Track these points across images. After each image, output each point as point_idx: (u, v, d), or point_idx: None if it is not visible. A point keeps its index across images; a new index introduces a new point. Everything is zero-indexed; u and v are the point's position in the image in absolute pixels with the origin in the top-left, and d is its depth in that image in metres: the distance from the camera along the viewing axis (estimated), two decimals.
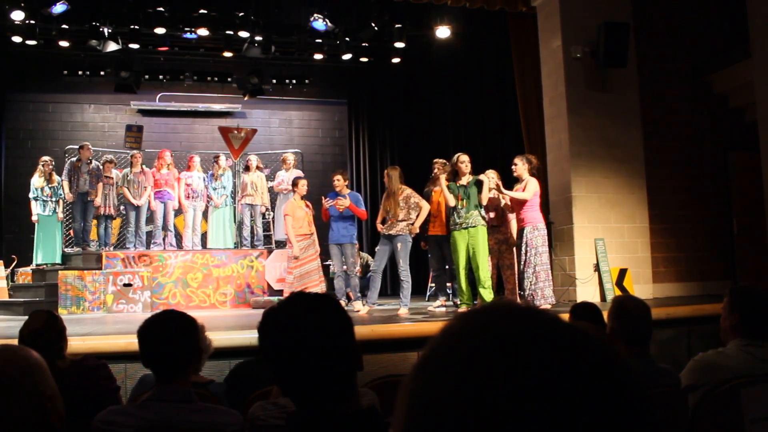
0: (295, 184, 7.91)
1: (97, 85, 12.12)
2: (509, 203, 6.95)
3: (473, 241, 6.57)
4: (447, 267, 7.73)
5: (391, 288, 11.88)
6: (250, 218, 10.17)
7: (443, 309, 7.22)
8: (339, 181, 7.48)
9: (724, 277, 8.34)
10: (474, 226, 6.59)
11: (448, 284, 8.20)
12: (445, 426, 0.47)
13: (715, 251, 8.63)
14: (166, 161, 9.83)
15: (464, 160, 6.79)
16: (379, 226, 7.20)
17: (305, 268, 7.58)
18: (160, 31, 10.27)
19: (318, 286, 7.57)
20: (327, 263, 8.17)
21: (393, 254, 7.07)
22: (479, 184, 6.67)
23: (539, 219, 6.71)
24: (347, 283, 7.53)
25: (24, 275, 9.74)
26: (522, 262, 6.67)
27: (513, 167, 6.87)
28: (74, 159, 9.60)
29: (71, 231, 9.93)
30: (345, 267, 7.48)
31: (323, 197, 7.58)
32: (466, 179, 6.75)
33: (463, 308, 6.70)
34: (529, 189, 6.65)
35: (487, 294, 6.55)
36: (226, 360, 4.35)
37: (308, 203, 7.91)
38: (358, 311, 7.09)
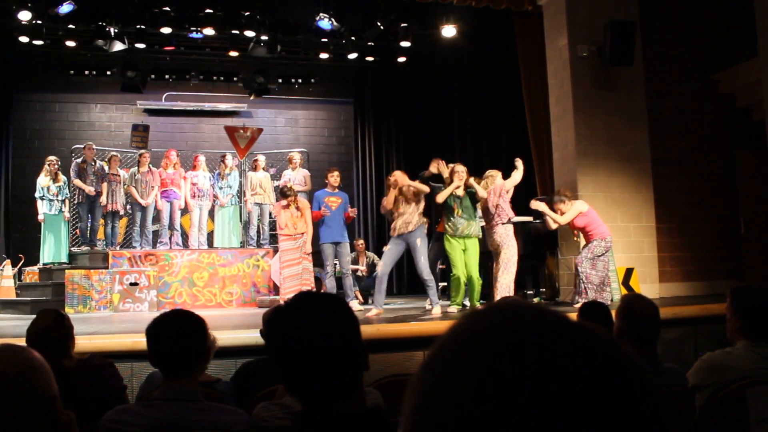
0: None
1: (103, 85, 12.16)
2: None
3: (469, 250, 6.71)
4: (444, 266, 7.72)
5: (396, 287, 11.88)
6: (258, 217, 10.19)
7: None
8: (333, 177, 7.67)
9: (731, 277, 8.29)
10: (470, 237, 6.73)
11: (443, 284, 8.23)
12: (451, 424, 0.47)
13: (722, 250, 8.59)
14: (172, 160, 9.86)
15: (458, 171, 6.74)
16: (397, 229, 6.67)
17: (294, 269, 7.56)
18: (166, 30, 10.30)
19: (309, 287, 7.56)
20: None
21: (407, 253, 6.92)
22: (472, 194, 6.80)
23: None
24: (340, 282, 7.51)
25: (31, 274, 9.78)
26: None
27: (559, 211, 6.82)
28: (79, 160, 9.59)
29: (77, 230, 9.96)
30: (338, 266, 7.46)
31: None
32: (460, 190, 6.77)
33: (453, 308, 6.75)
34: (569, 213, 6.73)
35: (476, 297, 6.77)
36: (233, 359, 4.36)
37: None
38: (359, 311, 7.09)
